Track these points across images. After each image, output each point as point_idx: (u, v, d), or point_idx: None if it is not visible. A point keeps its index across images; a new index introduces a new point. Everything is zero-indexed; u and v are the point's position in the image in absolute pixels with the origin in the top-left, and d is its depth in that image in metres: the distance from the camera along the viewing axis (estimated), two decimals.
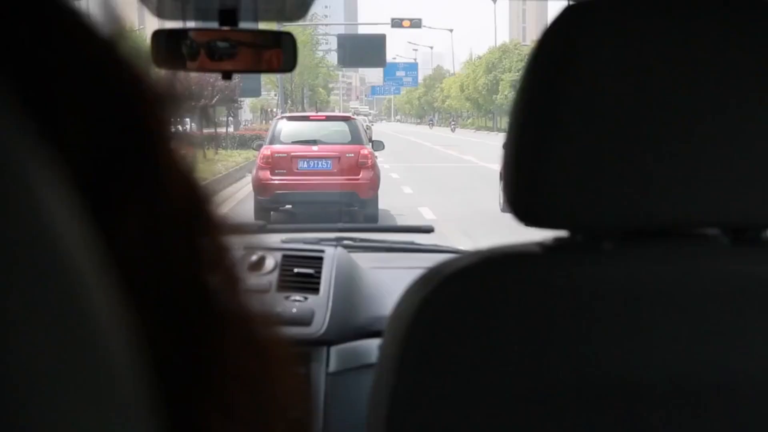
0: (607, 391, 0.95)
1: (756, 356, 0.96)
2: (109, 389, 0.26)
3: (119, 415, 0.26)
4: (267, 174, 12.36)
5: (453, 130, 63.23)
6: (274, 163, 12.43)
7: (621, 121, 0.91)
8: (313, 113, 17.56)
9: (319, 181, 12.38)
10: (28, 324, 0.24)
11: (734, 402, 0.96)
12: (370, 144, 13.66)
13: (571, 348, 0.95)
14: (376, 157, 12.98)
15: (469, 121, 77.24)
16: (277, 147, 12.66)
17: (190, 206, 0.33)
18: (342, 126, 13.33)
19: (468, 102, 69.07)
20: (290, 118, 14.33)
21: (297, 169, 12.57)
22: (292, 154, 12.58)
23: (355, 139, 12.98)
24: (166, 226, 0.32)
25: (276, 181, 12.24)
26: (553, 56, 0.92)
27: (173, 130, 0.33)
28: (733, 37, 0.92)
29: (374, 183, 12.48)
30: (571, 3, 0.93)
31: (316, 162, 12.66)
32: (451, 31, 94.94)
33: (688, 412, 0.96)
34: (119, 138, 0.31)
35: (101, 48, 0.32)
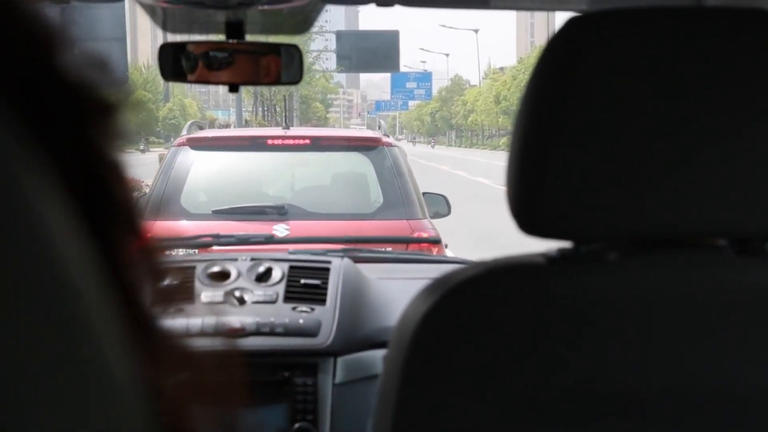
0: (610, 401, 0.95)
1: (759, 367, 0.96)
2: (107, 397, 0.26)
3: (116, 422, 0.26)
4: None
5: (432, 147, 62.31)
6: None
7: (625, 131, 0.92)
8: (278, 132, 4.72)
9: None
10: (22, 331, 0.23)
11: (737, 412, 0.96)
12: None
13: (574, 358, 0.95)
14: (445, 246, 4.21)
15: (503, 141, 63.32)
16: (173, 225, 4.11)
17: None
18: (355, 164, 4.70)
19: (504, 116, 60.15)
20: (214, 144, 4.69)
21: None
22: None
23: (395, 200, 4.37)
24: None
25: None
26: (557, 67, 0.93)
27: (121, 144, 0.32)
28: (736, 47, 0.92)
29: None
30: (575, 14, 0.93)
31: None
32: (476, 31, 77.87)
33: (691, 423, 0.96)
34: (107, 147, 0.30)
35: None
